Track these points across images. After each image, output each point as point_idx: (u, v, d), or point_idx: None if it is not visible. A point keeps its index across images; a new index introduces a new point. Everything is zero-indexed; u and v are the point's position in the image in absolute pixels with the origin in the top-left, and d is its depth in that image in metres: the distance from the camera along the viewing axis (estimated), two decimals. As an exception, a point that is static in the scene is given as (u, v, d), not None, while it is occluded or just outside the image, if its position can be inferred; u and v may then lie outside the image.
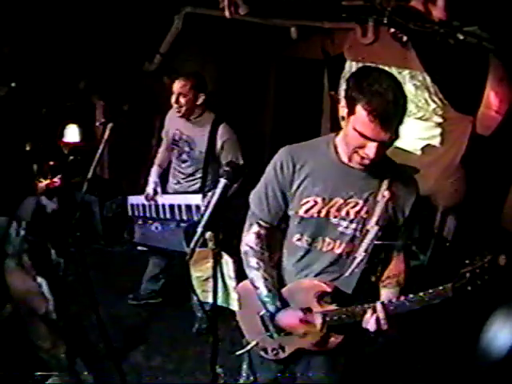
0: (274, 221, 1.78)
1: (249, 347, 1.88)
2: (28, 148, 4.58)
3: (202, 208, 2.92)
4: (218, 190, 1.57)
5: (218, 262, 1.63)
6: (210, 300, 1.68)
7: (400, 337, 2.74)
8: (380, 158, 1.59)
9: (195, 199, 3.00)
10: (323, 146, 1.72)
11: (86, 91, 4.88)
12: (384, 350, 2.73)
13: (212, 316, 1.77)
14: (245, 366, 2.02)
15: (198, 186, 3.11)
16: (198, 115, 3.02)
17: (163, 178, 3.31)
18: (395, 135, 1.54)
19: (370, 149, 1.54)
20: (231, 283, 1.76)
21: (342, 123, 1.62)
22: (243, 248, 1.81)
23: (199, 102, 2.96)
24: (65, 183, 4.55)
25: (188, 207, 3.03)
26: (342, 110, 1.59)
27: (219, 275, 1.66)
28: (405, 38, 3.72)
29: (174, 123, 3.15)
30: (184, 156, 3.09)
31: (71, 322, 2.84)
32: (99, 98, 4.91)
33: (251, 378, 1.99)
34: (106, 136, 2.66)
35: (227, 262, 1.73)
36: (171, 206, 3.11)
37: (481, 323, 2.69)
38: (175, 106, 2.99)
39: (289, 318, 1.73)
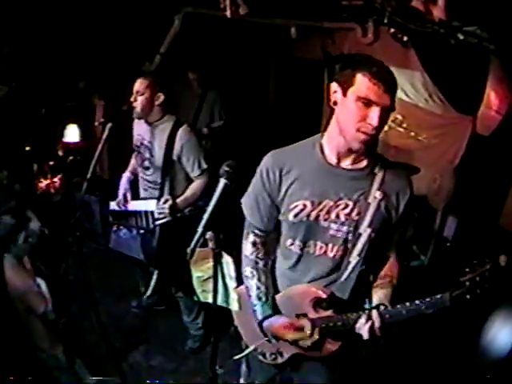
0: (269, 228, 1.77)
1: (247, 352, 1.87)
2: (28, 148, 4.59)
3: (156, 214, 2.85)
4: (218, 190, 1.56)
5: (218, 262, 1.62)
6: (210, 300, 1.68)
7: (399, 337, 2.73)
8: (378, 133, 1.55)
9: (151, 205, 2.92)
10: (309, 149, 1.69)
11: (86, 91, 4.89)
12: (383, 351, 2.73)
13: (212, 317, 1.77)
14: (243, 368, 2.01)
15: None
16: (157, 118, 2.85)
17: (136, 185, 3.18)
18: (393, 107, 1.55)
19: (375, 113, 1.51)
20: (231, 283, 1.76)
21: (336, 109, 1.60)
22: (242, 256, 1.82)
23: (158, 102, 2.80)
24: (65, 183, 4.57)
25: (146, 214, 2.97)
26: (335, 96, 1.59)
27: (220, 275, 1.66)
28: (405, 38, 3.72)
29: (137, 128, 3.01)
30: (146, 163, 2.95)
31: (71, 322, 2.83)
32: (99, 98, 4.92)
33: (250, 378, 1.99)
34: (104, 136, 2.66)
35: (227, 262, 1.72)
36: (134, 213, 3.05)
37: (481, 323, 2.69)
38: (133, 105, 2.80)
39: (276, 324, 1.72)
